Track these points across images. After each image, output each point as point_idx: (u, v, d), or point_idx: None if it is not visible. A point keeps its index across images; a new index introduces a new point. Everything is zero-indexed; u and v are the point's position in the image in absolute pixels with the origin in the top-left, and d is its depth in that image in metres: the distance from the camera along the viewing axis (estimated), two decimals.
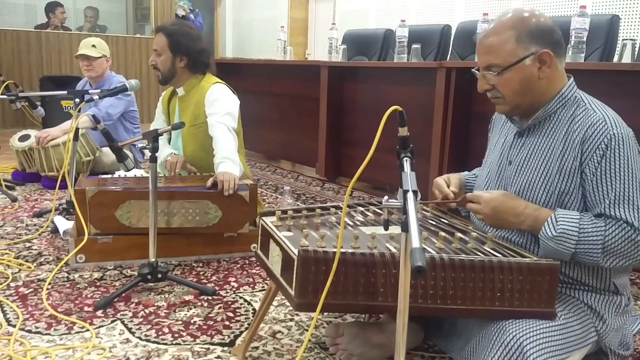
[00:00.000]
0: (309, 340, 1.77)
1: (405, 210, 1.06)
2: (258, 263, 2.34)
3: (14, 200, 3.28)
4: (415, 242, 0.96)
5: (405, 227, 1.04)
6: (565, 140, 1.46)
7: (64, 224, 2.66)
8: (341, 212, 1.71)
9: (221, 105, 2.60)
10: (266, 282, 2.24)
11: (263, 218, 1.66)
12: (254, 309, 2.00)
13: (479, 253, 1.44)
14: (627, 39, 2.69)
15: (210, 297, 2.08)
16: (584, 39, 2.66)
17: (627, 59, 2.67)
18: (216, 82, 2.71)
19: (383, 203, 1.15)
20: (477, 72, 1.55)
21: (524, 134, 1.57)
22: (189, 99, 2.73)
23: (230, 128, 2.57)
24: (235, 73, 4.83)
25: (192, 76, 2.72)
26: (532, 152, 1.54)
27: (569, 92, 1.50)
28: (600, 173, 1.40)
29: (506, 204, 1.49)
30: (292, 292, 1.34)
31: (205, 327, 1.86)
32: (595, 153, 1.40)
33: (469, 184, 1.81)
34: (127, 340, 1.76)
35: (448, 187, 1.67)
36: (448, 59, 4.05)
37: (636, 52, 2.82)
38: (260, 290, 2.17)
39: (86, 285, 2.16)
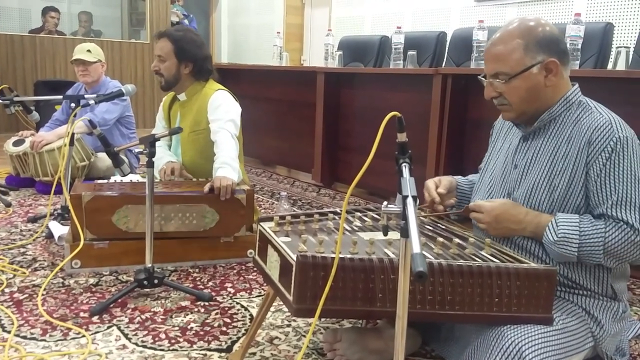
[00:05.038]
0: (307, 346, 1.76)
1: (405, 215, 1.06)
2: (256, 269, 2.34)
3: (8, 205, 3.26)
4: (416, 248, 0.97)
5: (405, 233, 1.04)
6: (569, 141, 1.48)
7: (59, 229, 2.65)
8: (339, 217, 1.71)
9: (224, 111, 2.60)
10: (263, 287, 2.24)
11: (261, 224, 1.66)
12: (251, 315, 2.00)
13: (476, 259, 1.45)
14: (621, 47, 2.71)
15: (207, 303, 2.07)
16: (579, 47, 2.69)
17: (621, 66, 2.69)
18: (219, 89, 2.71)
19: (382, 208, 1.16)
20: (483, 79, 1.57)
21: (529, 137, 1.59)
22: (190, 105, 2.73)
23: (233, 135, 2.57)
24: (231, 78, 4.82)
25: (195, 82, 2.72)
26: (536, 154, 1.55)
27: (573, 96, 1.53)
28: (605, 175, 1.42)
29: (508, 212, 1.51)
30: (290, 298, 1.34)
31: (202, 333, 1.86)
32: (600, 155, 1.42)
33: (461, 189, 1.81)
34: (124, 347, 1.75)
35: (437, 189, 1.68)
36: (444, 65, 4.07)
37: (630, 60, 2.84)
38: (257, 296, 2.17)
39: (82, 290, 2.15)
